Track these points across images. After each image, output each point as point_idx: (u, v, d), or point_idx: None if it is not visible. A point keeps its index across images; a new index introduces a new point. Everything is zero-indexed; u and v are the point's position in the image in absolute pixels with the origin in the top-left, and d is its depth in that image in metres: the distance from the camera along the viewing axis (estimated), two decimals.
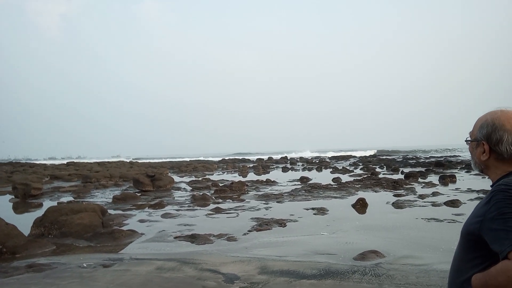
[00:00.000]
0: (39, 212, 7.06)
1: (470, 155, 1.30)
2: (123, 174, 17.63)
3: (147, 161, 50.74)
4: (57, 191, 13.14)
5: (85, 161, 46.13)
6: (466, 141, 1.30)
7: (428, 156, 38.62)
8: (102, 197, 11.27)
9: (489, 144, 1.19)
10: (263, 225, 6.28)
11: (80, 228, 5.98)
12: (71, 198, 10.92)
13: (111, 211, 8.04)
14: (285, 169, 24.64)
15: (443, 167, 20.46)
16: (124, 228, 6.30)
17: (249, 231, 5.92)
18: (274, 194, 10.27)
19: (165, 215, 7.58)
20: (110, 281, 3.74)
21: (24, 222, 6.38)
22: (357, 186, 11.76)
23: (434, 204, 7.84)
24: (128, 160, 47.59)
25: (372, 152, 48.43)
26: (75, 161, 43.78)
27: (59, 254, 5.01)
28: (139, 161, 49.78)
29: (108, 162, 39.25)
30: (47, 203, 9.73)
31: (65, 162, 39.95)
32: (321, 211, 7.50)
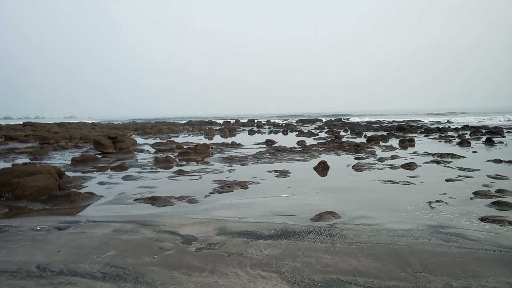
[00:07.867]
0: None
1: None
2: (84, 136, 17.03)
3: (111, 122, 49.28)
4: (12, 152, 12.55)
5: (44, 121, 44.27)
6: None
7: (391, 121, 39.85)
8: (60, 159, 10.88)
9: None
10: (225, 187, 6.31)
11: (35, 191, 5.77)
12: (27, 160, 10.47)
13: (69, 173, 7.79)
14: (251, 132, 24.69)
15: (404, 131, 21.21)
16: (82, 190, 6.13)
17: (211, 193, 5.93)
18: (238, 157, 10.30)
19: (126, 177, 7.44)
20: (64, 243, 3.66)
21: None
22: (321, 149, 11.98)
23: (391, 167, 8.14)
24: (90, 122, 46.09)
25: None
26: (32, 121, 41.89)
27: (11, 217, 4.82)
28: (102, 122, 48.32)
29: (69, 123, 37.84)
30: (1, 165, 9.29)
31: (21, 122, 38.13)
32: (284, 173, 7.61)
